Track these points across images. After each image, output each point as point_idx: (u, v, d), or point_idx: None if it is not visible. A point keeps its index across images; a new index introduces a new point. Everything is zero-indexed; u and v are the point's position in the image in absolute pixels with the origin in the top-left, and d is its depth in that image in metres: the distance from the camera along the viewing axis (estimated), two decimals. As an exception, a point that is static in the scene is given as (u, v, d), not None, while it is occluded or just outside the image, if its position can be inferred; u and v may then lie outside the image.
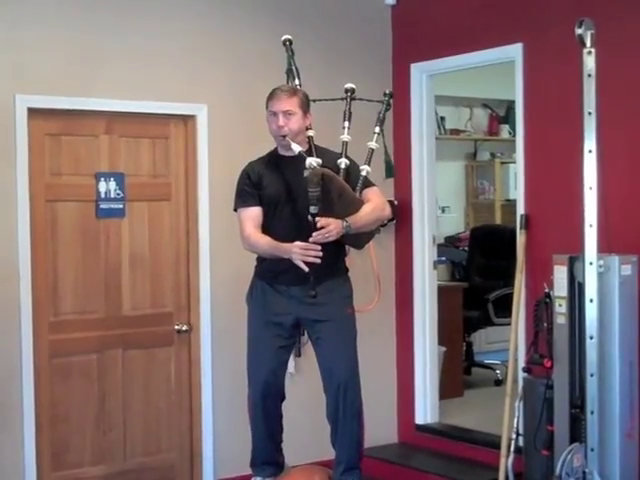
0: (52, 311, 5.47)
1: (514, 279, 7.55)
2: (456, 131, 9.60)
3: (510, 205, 9.53)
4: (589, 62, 4.59)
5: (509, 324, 7.94)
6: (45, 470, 5.43)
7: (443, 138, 9.12)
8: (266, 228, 4.55)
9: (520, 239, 5.77)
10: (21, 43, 5.27)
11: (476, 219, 9.85)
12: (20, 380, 5.29)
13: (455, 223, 9.65)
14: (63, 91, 5.38)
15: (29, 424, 5.32)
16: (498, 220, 9.71)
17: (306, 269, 4.30)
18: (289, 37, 4.97)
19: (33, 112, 5.29)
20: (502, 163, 9.82)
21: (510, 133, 9.80)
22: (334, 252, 4.50)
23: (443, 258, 8.36)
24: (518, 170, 5.90)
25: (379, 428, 6.41)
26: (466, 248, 9.17)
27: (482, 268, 8.65)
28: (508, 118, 9.82)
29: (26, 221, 5.29)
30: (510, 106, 9.73)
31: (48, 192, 5.43)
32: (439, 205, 8.77)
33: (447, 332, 7.07)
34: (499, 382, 7.98)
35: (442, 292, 6.79)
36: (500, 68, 6.37)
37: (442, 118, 9.30)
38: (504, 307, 8.03)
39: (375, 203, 4.60)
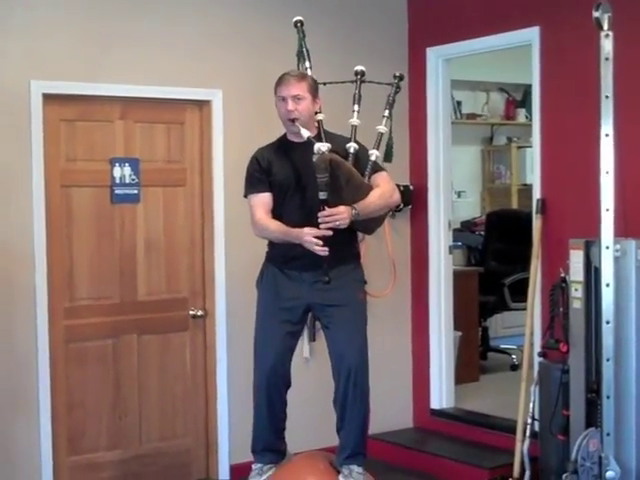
0: (67, 296, 5.47)
1: (530, 264, 7.57)
2: (472, 115, 9.58)
3: (526, 190, 9.49)
4: (606, 45, 4.55)
5: (525, 309, 7.92)
6: (61, 455, 5.45)
7: (459, 122, 9.10)
8: (276, 214, 4.53)
9: (536, 224, 5.74)
10: (36, 29, 5.26)
11: (492, 204, 9.82)
12: (36, 365, 5.31)
13: (471, 208, 9.64)
14: (78, 77, 5.38)
15: (45, 409, 5.33)
16: (514, 205, 9.69)
17: (326, 253, 4.26)
18: (300, 18, 4.92)
19: (48, 98, 5.29)
20: (519, 147, 9.79)
21: (527, 117, 9.75)
22: (346, 238, 4.48)
23: (459, 243, 8.35)
24: (534, 154, 5.87)
25: (395, 413, 6.44)
26: (482, 233, 9.14)
27: (498, 253, 8.62)
28: (525, 102, 9.78)
29: (41, 207, 5.29)
30: (527, 90, 9.66)
31: (63, 178, 5.43)
32: (455, 190, 8.75)
33: (463, 317, 7.06)
34: (515, 367, 7.96)
35: (458, 277, 6.78)
36: (517, 52, 6.33)
37: (458, 102, 9.27)
38: (520, 292, 7.99)
39: (383, 189, 4.56)
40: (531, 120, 9.36)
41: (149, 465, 5.74)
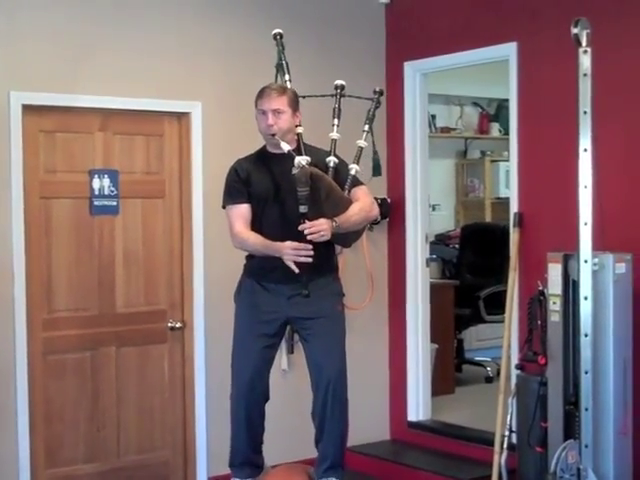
0: (46, 308, 5.46)
1: (504, 276, 7.60)
2: (447, 129, 9.64)
3: (500, 203, 9.60)
4: (585, 61, 4.61)
5: (500, 321, 8.00)
6: (39, 467, 5.42)
7: (434, 136, 9.13)
8: (255, 225, 4.55)
9: (514, 237, 5.78)
10: (16, 40, 5.26)
11: (466, 217, 9.89)
12: (14, 377, 5.28)
13: (445, 221, 9.69)
14: (58, 88, 5.37)
15: (23, 421, 5.31)
16: (488, 218, 9.75)
17: (297, 270, 4.31)
18: (280, 31, 4.95)
19: (27, 109, 5.28)
20: (492, 161, 9.86)
21: (500, 131, 9.88)
22: (324, 250, 4.50)
23: (434, 256, 8.39)
24: (511, 168, 5.92)
25: (371, 425, 6.45)
26: (456, 246, 9.21)
27: (473, 266, 8.69)
28: (498, 116, 9.91)
29: (20, 218, 5.28)
30: (500, 104, 9.82)
31: (42, 189, 5.42)
32: (429, 203, 8.79)
33: (439, 329, 7.08)
34: (490, 379, 8.04)
35: (434, 289, 6.80)
36: (490, 67, 6.40)
37: (433, 116, 9.33)
38: (495, 304, 8.10)
39: (363, 202, 4.61)
40: (505, 134, 9.52)
41: (127, 478, 5.72)
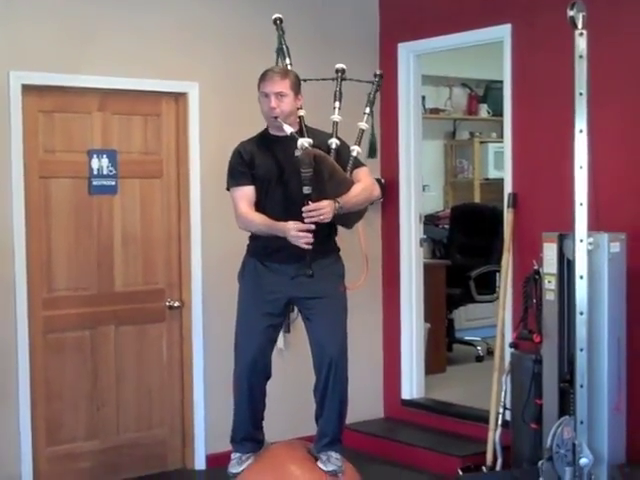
0: (46, 287, 5.50)
1: (494, 257, 7.69)
2: (436, 110, 9.66)
3: (488, 184, 9.68)
4: (581, 44, 4.68)
5: (490, 301, 8.14)
6: (40, 445, 5.48)
7: (423, 117, 9.15)
8: (259, 207, 4.59)
9: (508, 217, 5.85)
10: (16, 19, 5.27)
11: (455, 198, 9.95)
12: (15, 356, 5.33)
13: (434, 201, 9.72)
14: (57, 68, 5.40)
15: (24, 400, 5.36)
16: (477, 199, 9.82)
17: (308, 247, 4.36)
18: (279, 16, 4.97)
19: (27, 89, 5.31)
20: (481, 142, 9.91)
21: (489, 112, 9.93)
22: (326, 231, 4.57)
23: (424, 236, 8.46)
24: (506, 149, 5.96)
25: (366, 403, 6.51)
26: (445, 226, 9.27)
27: (463, 246, 8.75)
28: (487, 97, 9.95)
29: (21, 198, 5.32)
30: (489, 85, 9.87)
31: (42, 169, 5.45)
32: (420, 184, 8.86)
33: (431, 309, 7.15)
34: (480, 358, 8.13)
35: (426, 269, 6.86)
36: (479, 48, 6.44)
37: (422, 97, 9.35)
38: (485, 284, 8.21)
39: (365, 183, 4.67)
40: (493, 115, 9.59)
41: (126, 455, 5.78)
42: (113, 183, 5.67)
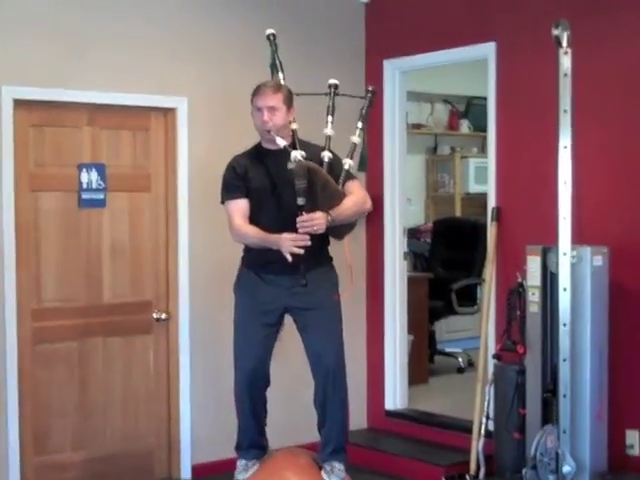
0: (35, 299, 5.55)
1: (476, 270, 7.80)
2: (417, 125, 9.77)
3: (469, 198, 9.80)
4: (565, 62, 4.81)
5: (471, 313, 8.24)
6: (28, 454, 5.52)
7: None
8: (252, 219, 4.66)
9: (491, 231, 5.94)
10: (7, 35, 5.34)
11: (436, 212, 10.05)
12: (4, 366, 5.38)
13: (416, 215, 9.82)
14: (47, 83, 5.46)
15: (13, 409, 5.41)
16: (458, 213, 9.92)
17: (290, 259, 4.44)
18: (273, 31, 5.05)
19: (18, 103, 5.36)
20: (462, 157, 10.02)
21: (470, 128, 10.05)
22: (320, 242, 4.64)
23: (407, 249, 8.55)
24: (489, 164, 6.06)
25: (350, 414, 6.55)
26: (427, 240, 9.38)
27: (444, 259, 8.85)
28: (468, 113, 10.07)
29: (11, 210, 5.37)
30: (470, 102, 10.00)
31: (32, 182, 5.51)
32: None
33: (414, 321, 7.22)
34: (461, 369, 8.24)
35: (409, 282, 6.94)
36: (461, 65, 6.54)
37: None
38: (466, 297, 8.32)
39: (357, 196, 4.76)
40: (474, 131, 9.71)
41: (113, 465, 5.82)
42: (102, 197, 5.73)
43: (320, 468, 4.70)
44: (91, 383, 5.74)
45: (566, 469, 4.85)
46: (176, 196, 5.94)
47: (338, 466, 4.67)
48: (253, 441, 4.82)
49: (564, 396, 4.89)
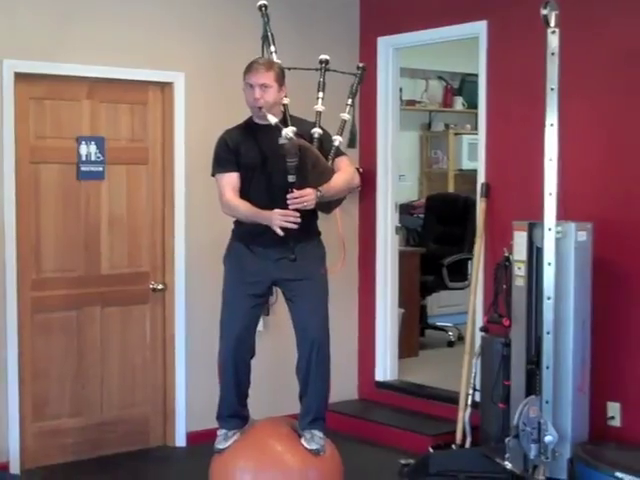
0: (35, 269, 5.68)
1: (467, 245, 7.92)
2: (412, 102, 9.86)
3: (462, 175, 9.90)
4: (553, 41, 4.92)
5: (462, 288, 8.36)
6: (27, 421, 5.67)
7: (400, 109, 9.37)
8: (242, 194, 4.75)
9: (480, 206, 6.07)
10: (9, 10, 5.45)
11: (430, 188, 10.17)
12: (4, 335, 5.52)
13: (409, 191, 9.94)
14: (48, 57, 5.57)
15: (13, 377, 5.56)
16: (451, 189, 10.04)
17: (282, 233, 4.55)
18: (264, 2, 5.08)
19: (19, 76, 5.48)
20: (456, 134, 10.13)
21: (464, 105, 10.14)
22: (308, 217, 4.73)
23: (399, 224, 8.67)
24: (479, 141, 6.18)
25: (340, 385, 6.62)
26: (420, 215, 9.49)
27: (437, 235, 8.97)
28: (462, 90, 10.17)
29: (12, 182, 5.50)
30: (464, 79, 10.09)
31: (32, 154, 5.63)
32: (396, 174, 9.05)
33: (405, 295, 7.34)
34: (451, 343, 8.38)
35: (401, 257, 7.06)
36: (456, 42, 6.64)
37: (399, 89, 9.56)
38: (457, 272, 8.44)
39: (345, 172, 4.85)
40: (468, 108, 9.80)
41: (109, 432, 5.97)
42: (101, 169, 5.85)
43: (300, 437, 4.76)
44: (89, 352, 5.88)
45: (548, 438, 4.98)
46: (173, 169, 6.06)
47: (318, 434, 4.74)
48: (234, 411, 4.87)
49: (547, 368, 5.03)
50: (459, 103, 10.22)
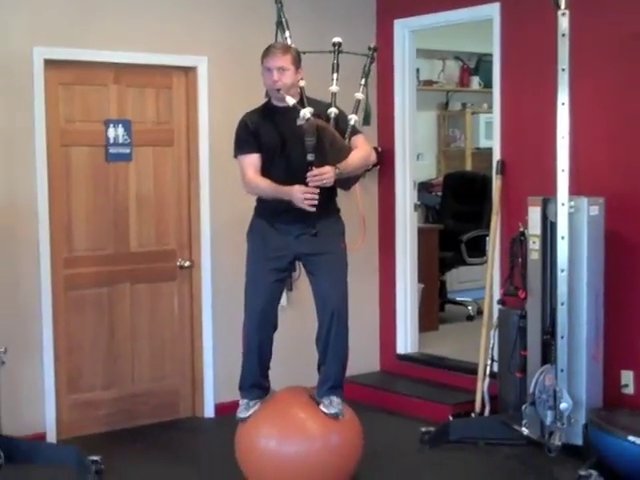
0: (67, 248, 5.90)
1: (484, 222, 8.07)
2: (429, 82, 10.01)
3: (479, 153, 10.05)
4: (563, 23, 5.10)
5: (480, 264, 8.51)
6: (62, 393, 5.90)
7: (417, 89, 9.48)
8: (263, 173, 4.93)
9: (496, 183, 6.24)
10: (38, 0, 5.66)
11: (447, 166, 10.33)
12: (40, 311, 5.75)
13: (428, 169, 10.12)
14: (76, 43, 5.77)
15: (48, 351, 5.79)
16: (468, 167, 10.20)
17: (312, 209, 4.73)
18: None
19: (49, 63, 5.68)
20: (472, 113, 10.29)
21: (480, 84, 10.27)
22: (328, 194, 4.91)
23: (418, 202, 8.83)
24: (494, 119, 6.36)
25: (363, 358, 6.87)
26: (438, 193, 9.66)
27: (455, 212, 9.14)
28: (478, 70, 10.30)
29: (44, 165, 5.71)
30: (480, 58, 10.21)
31: (63, 137, 5.84)
32: (414, 152, 9.20)
33: (424, 271, 7.50)
34: (470, 317, 8.53)
35: (420, 233, 7.24)
36: (472, 23, 6.80)
37: (416, 70, 9.70)
38: (476, 248, 8.59)
39: (362, 150, 5.02)
40: (484, 87, 9.94)
41: (141, 404, 6.21)
42: (128, 151, 6.06)
43: (318, 404, 4.93)
44: (119, 327, 6.11)
45: (563, 405, 5.19)
46: (197, 150, 6.25)
47: (336, 399, 4.92)
48: (256, 381, 5.05)
49: (562, 337, 5.22)
50: (475, 83, 10.35)
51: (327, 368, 5.01)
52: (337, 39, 5.17)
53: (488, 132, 9.53)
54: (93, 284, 6.01)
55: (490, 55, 6.68)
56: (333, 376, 4.99)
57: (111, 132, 6.00)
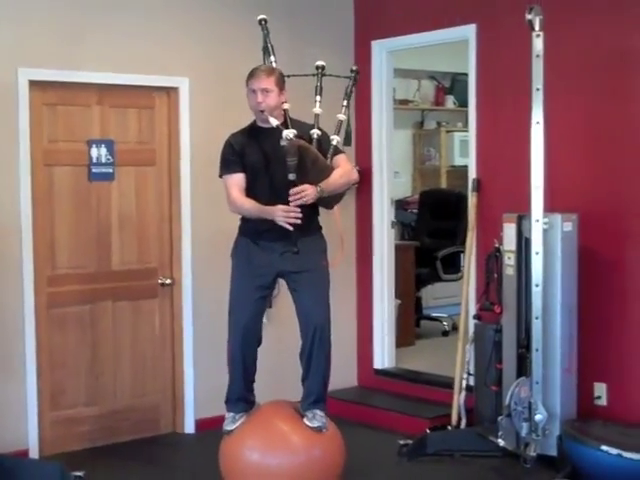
0: (50, 266, 5.97)
1: (460, 239, 8.20)
2: (405, 101, 10.14)
3: (454, 171, 10.19)
4: (537, 44, 5.26)
5: (455, 280, 8.65)
6: (45, 409, 5.96)
7: (393, 108, 9.64)
8: (248, 192, 5.04)
9: (472, 200, 6.36)
10: (24, 21, 5.73)
11: (423, 184, 10.47)
12: (23, 328, 5.81)
13: (404, 187, 10.23)
14: (60, 65, 5.86)
15: (31, 368, 5.84)
16: (443, 185, 10.33)
17: (291, 228, 4.85)
18: (264, 17, 5.37)
19: (33, 84, 5.76)
20: (447, 132, 10.43)
21: (455, 103, 10.43)
22: (310, 212, 5.04)
23: (394, 219, 8.95)
24: (470, 138, 6.49)
25: (340, 373, 6.83)
26: (414, 210, 9.78)
27: (430, 229, 9.26)
28: (453, 89, 10.45)
29: (27, 184, 5.78)
30: (454, 78, 10.37)
31: (46, 157, 5.92)
32: (389, 170, 9.32)
33: (401, 287, 7.61)
34: (446, 333, 8.66)
35: (396, 250, 7.35)
36: (446, 43, 6.94)
37: (392, 89, 9.84)
38: (451, 264, 8.73)
39: (344, 169, 5.15)
40: (459, 106, 10.09)
41: (122, 420, 6.27)
42: (111, 170, 6.15)
43: (302, 417, 5.04)
44: (101, 344, 6.17)
45: (538, 417, 5.31)
46: (179, 170, 6.35)
47: (319, 413, 5.03)
48: (242, 395, 5.15)
49: (537, 350, 5.35)
50: (450, 102, 10.51)
51: (310, 382, 5.11)
52: (320, 62, 5.29)
53: (463, 150, 9.67)
54: (76, 302, 6.08)
55: (464, 74, 6.81)
56: (316, 390, 5.10)
57: (94, 152, 6.08)
